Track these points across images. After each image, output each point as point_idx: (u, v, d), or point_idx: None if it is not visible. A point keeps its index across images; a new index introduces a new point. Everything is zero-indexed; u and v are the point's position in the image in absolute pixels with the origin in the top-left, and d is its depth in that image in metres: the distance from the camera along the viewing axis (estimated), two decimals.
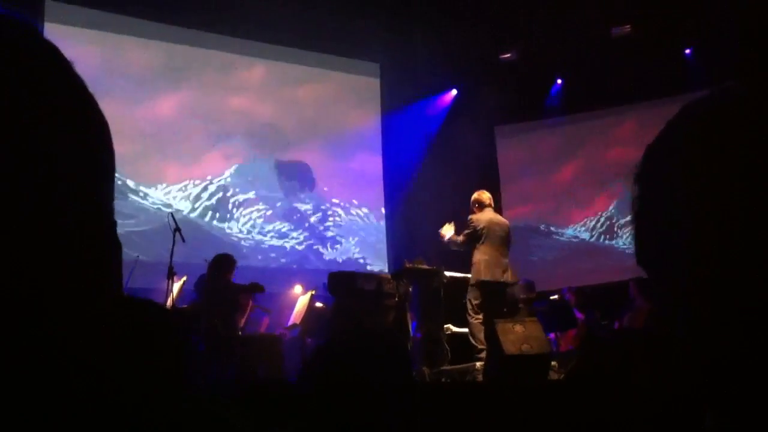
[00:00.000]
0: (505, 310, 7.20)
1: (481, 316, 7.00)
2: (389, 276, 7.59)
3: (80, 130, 0.54)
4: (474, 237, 7.12)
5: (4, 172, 0.47)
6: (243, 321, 7.65)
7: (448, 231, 7.33)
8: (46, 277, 0.50)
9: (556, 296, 9.26)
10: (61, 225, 0.50)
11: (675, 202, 0.59)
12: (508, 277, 7.18)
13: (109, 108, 0.60)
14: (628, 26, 11.60)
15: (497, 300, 7.12)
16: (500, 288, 7.16)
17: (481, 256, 7.06)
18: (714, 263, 0.57)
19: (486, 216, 7.22)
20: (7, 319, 0.48)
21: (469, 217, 7.25)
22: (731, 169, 0.57)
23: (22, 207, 0.48)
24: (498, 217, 7.39)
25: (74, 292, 0.52)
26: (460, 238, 7.20)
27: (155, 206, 10.23)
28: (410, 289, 7.27)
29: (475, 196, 7.40)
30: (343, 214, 11.85)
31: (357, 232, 11.84)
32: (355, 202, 12.04)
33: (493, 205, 7.41)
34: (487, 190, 7.58)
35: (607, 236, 12.02)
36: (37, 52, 0.53)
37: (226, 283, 7.09)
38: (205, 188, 10.94)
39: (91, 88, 0.57)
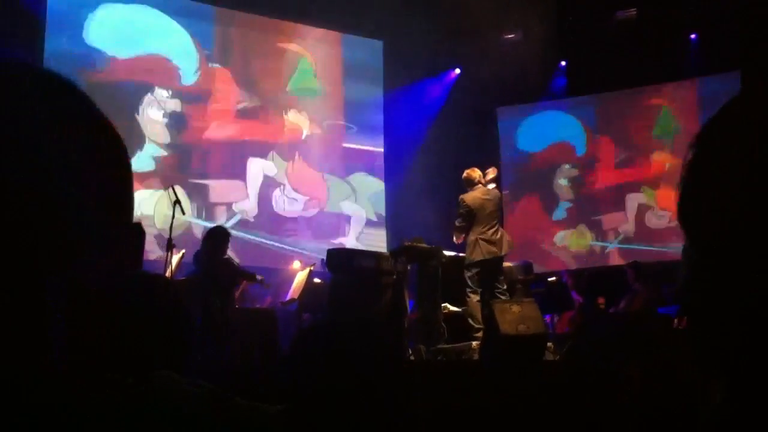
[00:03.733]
0: (504, 285, 7.21)
1: (478, 296, 7.02)
2: (388, 254, 7.59)
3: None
4: (467, 216, 7.15)
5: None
6: (238, 293, 7.69)
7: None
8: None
9: (554, 278, 9.28)
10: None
11: (729, 173, 0.59)
12: (502, 248, 7.18)
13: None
14: (633, 10, 11.53)
15: (493, 276, 7.16)
16: (495, 263, 7.19)
17: (473, 235, 7.10)
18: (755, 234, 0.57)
19: (475, 194, 7.23)
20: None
21: (460, 197, 7.27)
22: None
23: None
24: (487, 192, 7.34)
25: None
26: (457, 222, 7.24)
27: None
28: (408, 267, 7.28)
29: (464, 174, 7.41)
30: (342, 191, 11.84)
31: (357, 209, 11.84)
32: (354, 179, 12.03)
33: (483, 181, 7.38)
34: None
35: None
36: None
37: (222, 258, 7.09)
38: (205, 161, 10.93)
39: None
